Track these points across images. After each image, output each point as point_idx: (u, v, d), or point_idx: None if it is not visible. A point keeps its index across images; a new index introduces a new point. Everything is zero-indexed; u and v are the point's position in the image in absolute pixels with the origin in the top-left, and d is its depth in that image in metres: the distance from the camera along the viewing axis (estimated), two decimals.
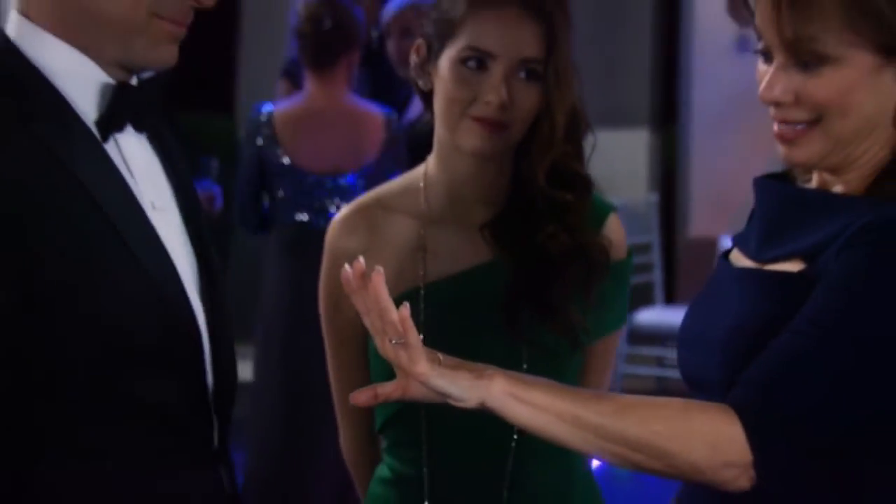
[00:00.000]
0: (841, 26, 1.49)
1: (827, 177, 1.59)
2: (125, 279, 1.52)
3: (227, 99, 6.85)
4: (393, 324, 1.47)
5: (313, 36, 4.05)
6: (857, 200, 1.53)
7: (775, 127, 1.57)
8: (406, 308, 1.47)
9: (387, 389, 1.51)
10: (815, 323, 1.45)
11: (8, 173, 1.47)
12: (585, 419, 1.47)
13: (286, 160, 4.08)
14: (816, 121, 1.54)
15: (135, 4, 1.53)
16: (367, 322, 1.50)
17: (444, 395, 1.49)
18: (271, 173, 4.11)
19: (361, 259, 1.50)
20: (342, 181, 4.07)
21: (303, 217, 4.08)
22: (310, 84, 4.14)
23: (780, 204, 1.61)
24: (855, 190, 1.56)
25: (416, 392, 1.50)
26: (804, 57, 1.51)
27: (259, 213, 4.21)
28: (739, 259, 1.64)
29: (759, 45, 1.57)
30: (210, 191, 4.25)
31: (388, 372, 1.96)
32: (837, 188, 1.58)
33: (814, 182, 1.61)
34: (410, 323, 1.47)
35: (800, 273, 1.52)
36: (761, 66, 1.57)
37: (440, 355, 1.50)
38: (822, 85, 1.52)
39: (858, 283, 1.45)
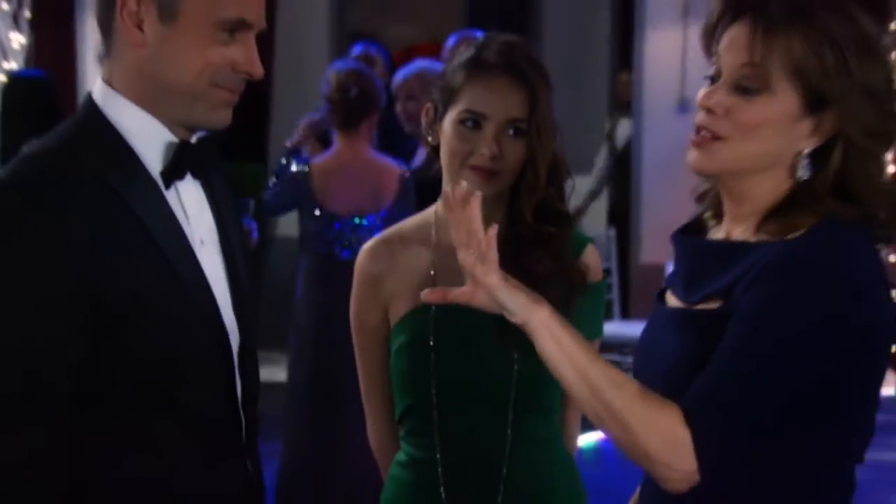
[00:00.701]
0: (794, 64, 1.47)
1: (729, 226, 1.57)
2: (173, 305, 1.52)
3: (260, 150, 6.86)
4: (478, 240, 1.47)
5: (342, 102, 4.03)
6: (754, 246, 1.50)
7: (693, 135, 1.53)
8: (494, 229, 1.48)
9: (456, 293, 1.51)
10: (738, 347, 1.43)
11: (82, 215, 1.47)
12: (591, 376, 1.45)
13: (318, 203, 4.07)
14: (727, 138, 1.50)
15: (198, 76, 1.54)
16: (454, 235, 1.49)
17: (502, 306, 1.48)
18: (306, 213, 4.10)
19: (464, 183, 1.52)
20: (363, 222, 4.06)
21: (330, 249, 4.07)
22: (338, 141, 4.13)
23: (694, 255, 1.59)
24: (749, 230, 1.54)
25: (480, 300, 1.49)
26: (751, 81, 1.48)
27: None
28: (671, 300, 1.62)
29: (711, 72, 1.53)
30: (248, 226, 4.27)
31: (403, 371, 1.98)
32: (737, 234, 1.55)
33: (721, 232, 1.59)
34: (494, 242, 1.47)
35: (718, 309, 1.50)
36: (703, 90, 1.54)
37: (507, 276, 1.49)
38: (750, 109, 1.49)
39: (768, 310, 1.43)
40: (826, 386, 1.44)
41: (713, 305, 1.51)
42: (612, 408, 1.43)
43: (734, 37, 1.51)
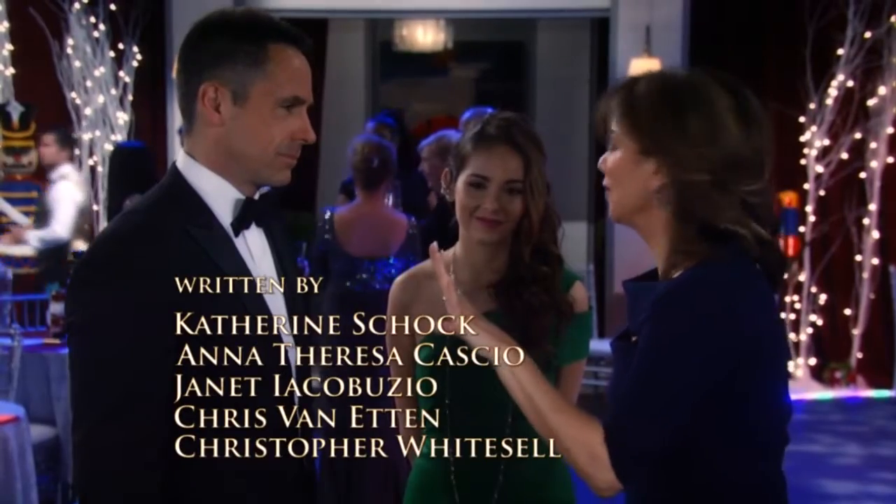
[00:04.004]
0: (621, 128, 1.49)
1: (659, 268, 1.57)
2: (241, 330, 1.51)
3: (310, 201, 6.91)
4: (442, 286, 1.50)
5: (365, 170, 4.03)
6: (657, 286, 1.48)
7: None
8: (451, 277, 1.51)
9: (445, 326, 1.51)
10: (633, 377, 1.41)
11: (170, 261, 1.48)
12: (535, 400, 1.46)
13: (340, 246, 4.03)
14: (609, 188, 1.54)
15: (266, 147, 1.55)
16: (440, 282, 1.51)
17: (465, 339, 1.49)
18: (332, 254, 4.06)
19: (435, 249, 1.54)
20: (377, 262, 4.02)
21: (348, 284, 4.02)
22: (360, 198, 4.10)
23: (630, 297, 1.56)
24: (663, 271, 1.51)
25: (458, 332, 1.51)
26: (611, 141, 1.52)
27: (323, 277, 4.12)
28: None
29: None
30: (301, 264, 4.27)
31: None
32: (661, 275, 1.53)
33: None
34: (452, 294, 1.48)
35: (634, 342, 1.47)
36: None
37: (479, 317, 1.50)
38: (609, 161, 1.52)
39: (650, 344, 1.41)
40: (713, 402, 1.41)
41: (634, 339, 1.48)
42: (550, 427, 1.44)
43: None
